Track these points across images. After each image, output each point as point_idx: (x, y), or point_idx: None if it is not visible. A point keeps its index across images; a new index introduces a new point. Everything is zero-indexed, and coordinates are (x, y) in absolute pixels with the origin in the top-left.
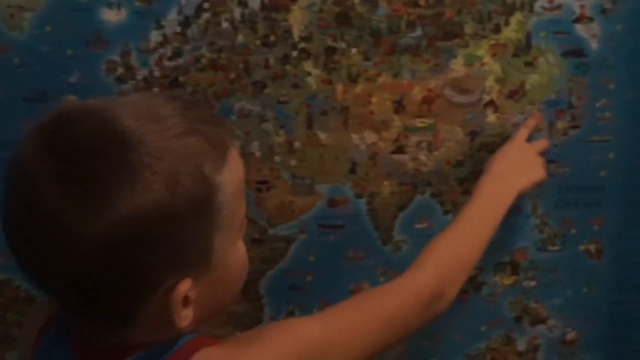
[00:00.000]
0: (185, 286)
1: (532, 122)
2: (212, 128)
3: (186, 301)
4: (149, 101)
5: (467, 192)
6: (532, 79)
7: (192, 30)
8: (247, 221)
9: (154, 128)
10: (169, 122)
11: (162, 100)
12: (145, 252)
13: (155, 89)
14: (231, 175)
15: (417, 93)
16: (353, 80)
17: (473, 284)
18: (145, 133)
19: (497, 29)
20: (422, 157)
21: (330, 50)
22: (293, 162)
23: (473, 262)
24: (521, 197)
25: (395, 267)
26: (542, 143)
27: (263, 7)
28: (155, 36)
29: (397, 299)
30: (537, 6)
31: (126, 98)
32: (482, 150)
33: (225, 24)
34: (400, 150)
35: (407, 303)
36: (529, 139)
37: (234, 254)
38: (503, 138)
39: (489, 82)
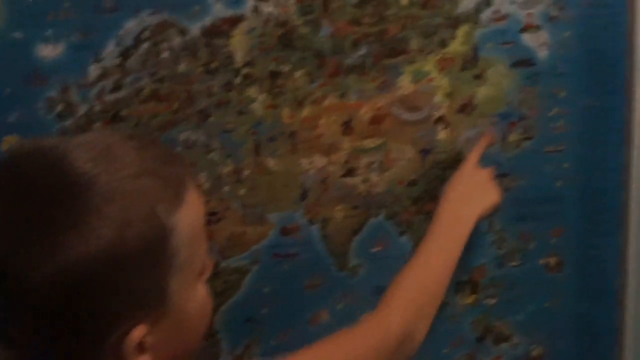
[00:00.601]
0: (139, 332)
1: (484, 143)
2: (168, 168)
3: (142, 348)
4: (104, 141)
5: (422, 212)
6: (482, 92)
7: (132, 61)
8: (211, 263)
9: (107, 169)
10: (123, 163)
11: (117, 139)
12: (96, 298)
13: (108, 130)
14: (188, 217)
15: (365, 113)
16: (299, 103)
17: None
18: (97, 174)
19: (444, 43)
20: (374, 178)
21: (274, 75)
22: (242, 192)
23: (441, 295)
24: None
25: (353, 293)
26: (491, 170)
27: (204, 33)
28: (94, 69)
29: (366, 343)
30: (482, 17)
31: (81, 137)
32: (434, 168)
33: (165, 53)
34: (350, 172)
35: (377, 347)
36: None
37: (193, 298)
38: (455, 154)
39: (438, 97)
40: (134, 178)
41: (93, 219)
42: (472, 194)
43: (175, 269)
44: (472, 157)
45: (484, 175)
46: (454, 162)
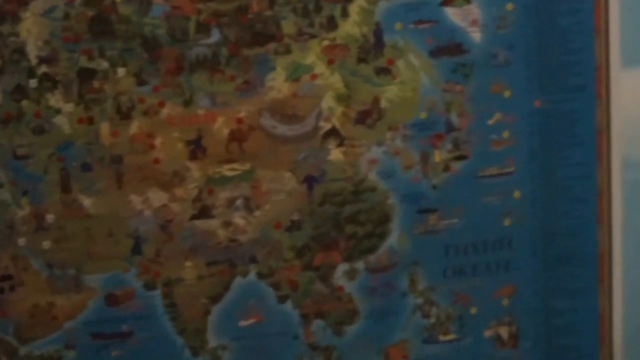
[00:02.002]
0: None
1: None
2: None
3: None
4: None
5: (310, 268)
6: (390, 93)
7: None
8: None
9: None
10: None
11: None
12: None
13: None
14: None
15: (221, 127)
16: (124, 115)
17: None
18: None
19: (332, 24)
20: (239, 220)
21: (85, 74)
22: (47, 245)
23: None
24: (393, 267)
25: None
26: None
27: None
28: None
29: None
30: None
31: None
32: (326, 204)
33: None
34: (204, 213)
35: None
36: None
37: None
38: (356, 183)
39: (327, 102)
40: None
41: None
42: None
43: None
44: None
45: None
46: (355, 194)
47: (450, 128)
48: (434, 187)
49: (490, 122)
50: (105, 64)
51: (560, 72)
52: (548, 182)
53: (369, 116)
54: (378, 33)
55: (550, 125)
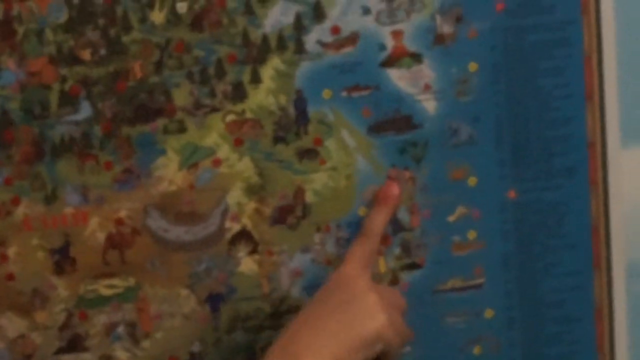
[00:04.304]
0: None
1: (378, 214)
2: None
3: None
4: None
5: None
6: (318, 182)
7: None
8: None
9: None
10: None
11: None
12: None
13: None
14: None
15: (95, 230)
16: None
17: None
18: None
19: (239, 92)
20: (121, 353)
21: None
22: None
23: None
24: None
25: None
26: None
27: None
28: None
29: None
30: (309, 41)
31: None
32: (237, 330)
33: None
34: (76, 345)
35: None
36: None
37: None
38: (275, 303)
39: (235, 195)
40: None
41: None
42: (332, 326)
43: None
44: (347, 256)
45: (362, 286)
46: (273, 317)
47: (397, 227)
48: None
49: (450, 218)
50: None
51: (541, 151)
52: (529, 298)
53: (290, 213)
54: (300, 103)
55: (530, 223)
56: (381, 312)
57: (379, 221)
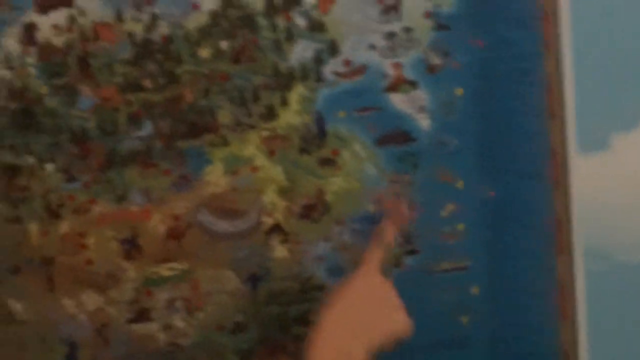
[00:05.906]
0: None
1: (388, 230)
2: None
3: None
4: None
5: None
6: (335, 185)
7: None
8: None
9: None
10: None
11: None
12: None
13: None
14: None
15: (156, 224)
16: (54, 214)
17: None
18: None
19: (271, 113)
20: (179, 323)
21: (11, 171)
22: None
23: None
24: None
25: None
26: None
27: None
28: None
29: None
30: (326, 72)
31: None
32: (272, 304)
33: None
34: (142, 316)
35: None
36: None
37: None
38: (302, 281)
39: (269, 195)
40: None
41: None
42: (364, 320)
43: None
44: (367, 259)
45: (387, 288)
46: (302, 293)
47: None
48: None
49: (442, 214)
50: (31, 160)
51: (513, 159)
52: (506, 277)
53: (313, 210)
54: (319, 121)
55: (506, 216)
56: (404, 313)
57: (390, 232)
